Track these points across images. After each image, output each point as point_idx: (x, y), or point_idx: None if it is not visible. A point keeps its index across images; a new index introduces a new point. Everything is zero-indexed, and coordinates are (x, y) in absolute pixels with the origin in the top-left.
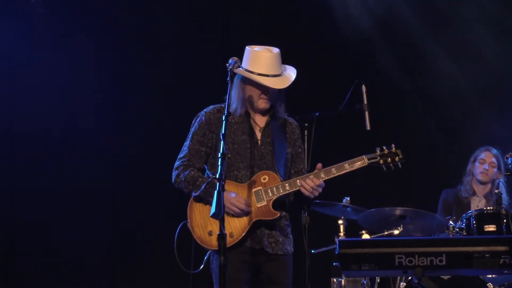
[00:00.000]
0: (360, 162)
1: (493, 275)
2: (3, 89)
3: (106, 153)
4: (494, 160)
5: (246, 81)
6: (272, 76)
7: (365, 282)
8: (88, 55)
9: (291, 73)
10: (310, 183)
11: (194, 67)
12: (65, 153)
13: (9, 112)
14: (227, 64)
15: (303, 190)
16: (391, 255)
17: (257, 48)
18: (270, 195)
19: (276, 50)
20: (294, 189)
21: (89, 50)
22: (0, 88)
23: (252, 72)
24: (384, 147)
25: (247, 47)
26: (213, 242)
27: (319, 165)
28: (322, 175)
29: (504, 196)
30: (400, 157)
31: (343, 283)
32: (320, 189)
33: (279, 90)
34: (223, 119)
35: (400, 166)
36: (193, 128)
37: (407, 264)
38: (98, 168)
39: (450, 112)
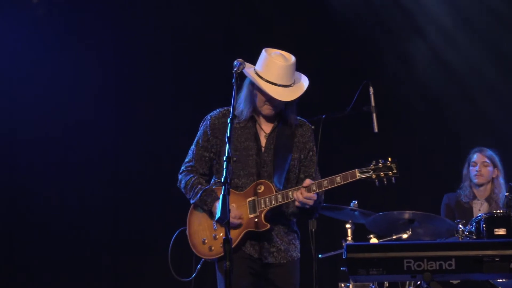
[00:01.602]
0: (352, 176)
1: (504, 279)
2: (4, 89)
3: (109, 153)
4: (486, 160)
5: (254, 84)
6: (280, 86)
7: (373, 287)
8: (90, 57)
9: (303, 83)
10: (300, 196)
11: (197, 70)
12: (68, 155)
13: (11, 112)
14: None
15: (295, 202)
16: (399, 260)
17: (273, 53)
18: (263, 206)
19: (292, 59)
20: (286, 201)
21: (91, 51)
22: (2, 88)
23: (261, 78)
24: (379, 161)
25: (263, 50)
26: (206, 251)
27: (307, 181)
28: (314, 188)
29: None
30: (394, 171)
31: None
32: (311, 201)
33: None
34: (228, 122)
35: (393, 181)
36: (198, 133)
37: (416, 269)
38: (102, 168)
39: (458, 113)
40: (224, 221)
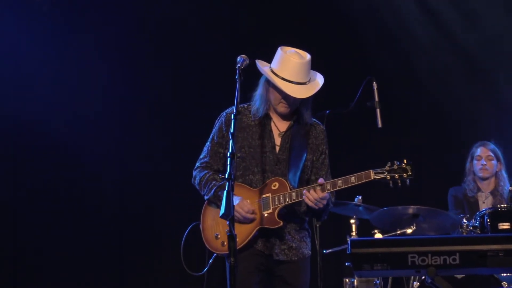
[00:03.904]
0: (366, 176)
1: (508, 274)
2: (7, 88)
3: (111, 152)
4: (490, 153)
5: (270, 82)
6: (295, 83)
7: (378, 282)
8: (93, 55)
9: (318, 82)
10: (314, 195)
11: (198, 69)
12: (72, 152)
13: (11, 111)
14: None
15: (307, 200)
16: (404, 255)
17: (289, 51)
18: (277, 203)
19: (307, 57)
20: (300, 199)
21: (94, 49)
22: (5, 87)
23: (277, 75)
24: (394, 162)
25: (279, 48)
26: (219, 246)
27: (321, 180)
28: (328, 187)
29: None
30: (409, 173)
31: (355, 283)
32: (324, 201)
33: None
34: (232, 118)
35: (408, 183)
36: (213, 130)
37: (420, 264)
38: (107, 167)
39: (463, 109)
40: (228, 217)
